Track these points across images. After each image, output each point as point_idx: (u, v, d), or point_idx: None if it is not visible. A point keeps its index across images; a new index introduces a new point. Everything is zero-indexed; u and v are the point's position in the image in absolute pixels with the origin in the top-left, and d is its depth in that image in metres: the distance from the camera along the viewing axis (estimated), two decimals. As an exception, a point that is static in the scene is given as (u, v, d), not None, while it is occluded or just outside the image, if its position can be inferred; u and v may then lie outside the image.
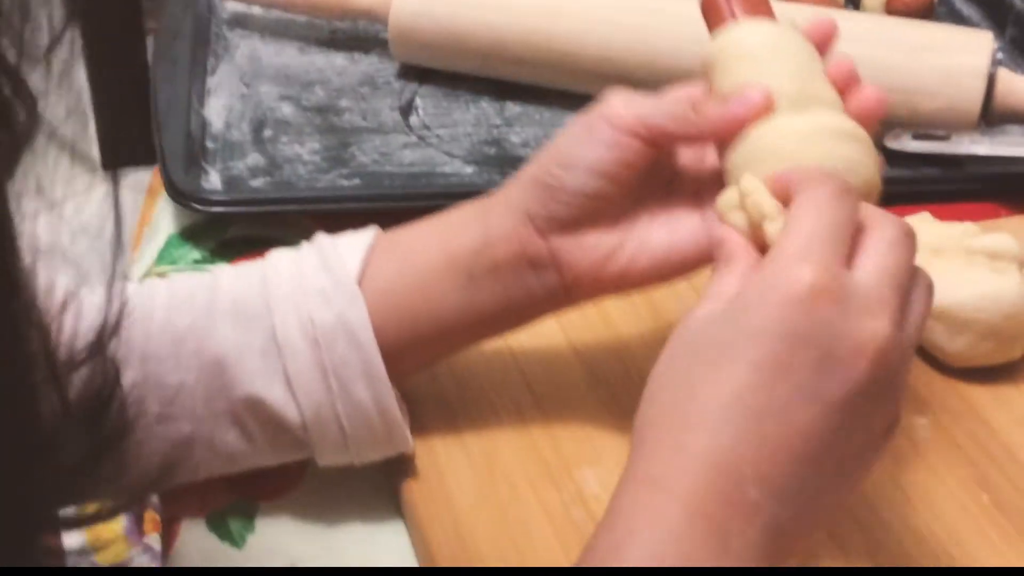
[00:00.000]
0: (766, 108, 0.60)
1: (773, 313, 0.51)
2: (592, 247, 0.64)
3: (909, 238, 0.55)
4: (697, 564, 0.49)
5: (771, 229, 0.55)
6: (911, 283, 0.54)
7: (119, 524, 1.09)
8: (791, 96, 0.60)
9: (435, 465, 0.67)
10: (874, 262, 0.53)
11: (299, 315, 0.64)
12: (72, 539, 0.51)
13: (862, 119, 0.60)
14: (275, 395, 0.64)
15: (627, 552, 0.50)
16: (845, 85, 0.61)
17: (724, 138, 0.61)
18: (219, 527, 0.67)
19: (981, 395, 0.71)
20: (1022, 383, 0.71)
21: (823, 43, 0.63)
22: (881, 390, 0.52)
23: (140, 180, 1.00)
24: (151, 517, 1.08)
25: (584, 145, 0.63)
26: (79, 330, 0.45)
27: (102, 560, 1.09)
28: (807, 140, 0.58)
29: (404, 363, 0.65)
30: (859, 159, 0.59)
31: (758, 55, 0.61)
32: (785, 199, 0.56)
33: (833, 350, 0.51)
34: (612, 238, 0.64)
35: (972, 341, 0.70)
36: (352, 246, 0.66)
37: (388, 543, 0.67)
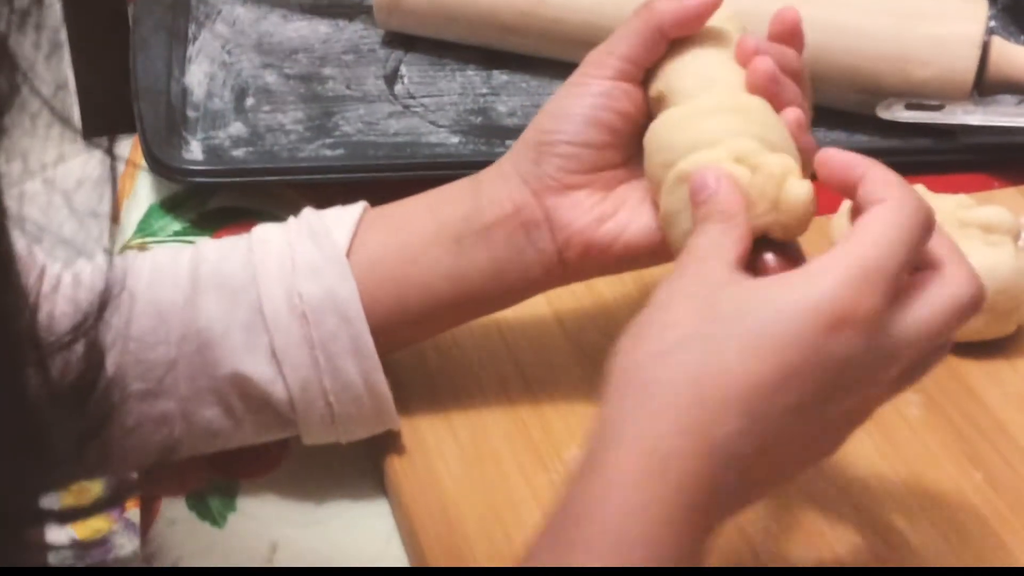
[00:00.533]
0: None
1: (823, 324, 0.49)
2: (586, 209, 0.63)
3: (973, 303, 0.52)
4: (677, 557, 0.49)
5: (798, 188, 0.54)
6: (940, 350, 0.54)
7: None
8: (684, 90, 0.61)
9: (420, 444, 0.66)
10: (925, 319, 0.51)
11: (286, 289, 0.63)
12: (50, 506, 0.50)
13: (758, 90, 0.60)
14: (261, 371, 0.62)
15: (620, 545, 0.49)
16: (746, 62, 0.61)
17: (682, 29, 0.62)
18: (199, 506, 0.66)
19: (974, 371, 0.70)
20: (1015, 358, 0.71)
21: (787, 39, 0.63)
22: (856, 419, 0.53)
23: (119, 150, 0.98)
24: (133, 491, 1.08)
25: (575, 98, 0.64)
26: (63, 310, 0.45)
27: (80, 532, 1.08)
28: (685, 121, 0.59)
29: (392, 338, 0.64)
30: (740, 128, 0.58)
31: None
32: (846, 185, 0.54)
33: (850, 382, 0.50)
34: (606, 204, 0.63)
35: (966, 316, 0.69)
36: (340, 220, 0.65)
37: (372, 523, 0.66)
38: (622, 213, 0.63)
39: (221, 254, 0.65)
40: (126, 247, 0.82)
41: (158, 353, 0.62)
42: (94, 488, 0.46)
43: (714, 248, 0.53)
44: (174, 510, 0.67)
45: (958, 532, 0.62)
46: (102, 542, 1.12)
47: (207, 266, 0.64)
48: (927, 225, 0.52)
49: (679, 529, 0.49)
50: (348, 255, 0.64)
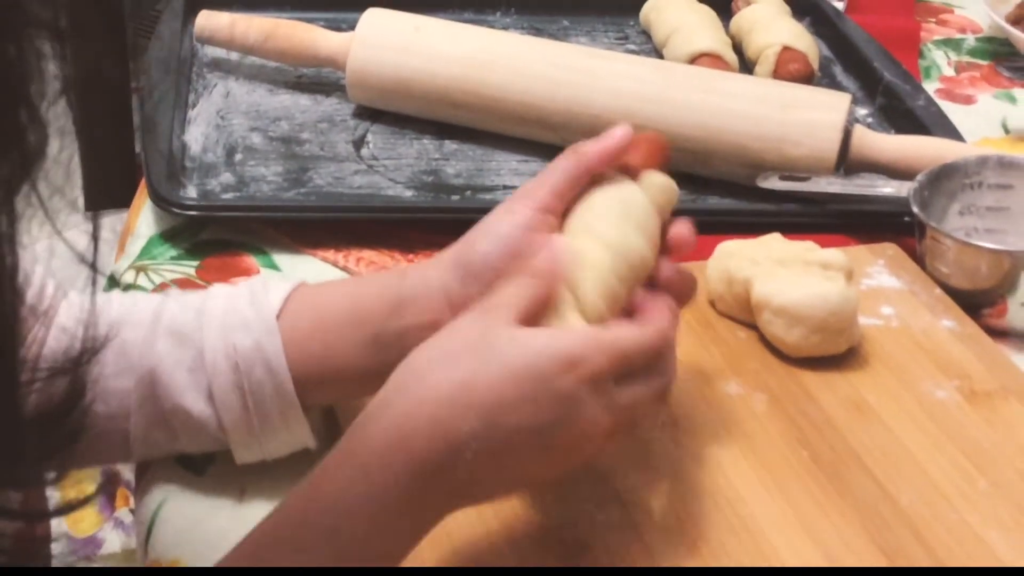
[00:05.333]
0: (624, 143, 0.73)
1: (555, 365, 0.64)
2: None
3: (667, 389, 0.70)
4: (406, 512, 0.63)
5: (572, 320, 0.69)
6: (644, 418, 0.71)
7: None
8: (573, 228, 0.72)
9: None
10: (639, 394, 0.68)
11: (225, 341, 0.74)
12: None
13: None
14: (199, 408, 0.74)
15: (363, 485, 0.62)
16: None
17: (603, 164, 0.74)
18: (184, 459, 0.81)
19: (812, 379, 0.86)
20: (846, 371, 0.87)
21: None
22: (572, 454, 0.67)
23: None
24: (123, 494, 1.20)
25: (501, 222, 0.73)
26: (58, 341, 0.54)
27: (73, 530, 1.19)
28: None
29: (312, 395, 0.76)
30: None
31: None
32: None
33: (568, 418, 0.65)
34: None
35: (804, 333, 0.86)
36: (277, 289, 0.76)
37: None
38: None
39: (180, 306, 0.76)
40: (130, 268, 0.98)
41: (118, 382, 0.74)
42: (89, 485, 0.56)
43: (511, 298, 0.66)
44: (164, 463, 0.82)
45: (787, 497, 0.78)
46: (93, 538, 1.24)
47: (166, 314, 0.75)
48: (665, 350, 0.69)
49: (410, 496, 0.62)
50: (279, 317, 0.74)
